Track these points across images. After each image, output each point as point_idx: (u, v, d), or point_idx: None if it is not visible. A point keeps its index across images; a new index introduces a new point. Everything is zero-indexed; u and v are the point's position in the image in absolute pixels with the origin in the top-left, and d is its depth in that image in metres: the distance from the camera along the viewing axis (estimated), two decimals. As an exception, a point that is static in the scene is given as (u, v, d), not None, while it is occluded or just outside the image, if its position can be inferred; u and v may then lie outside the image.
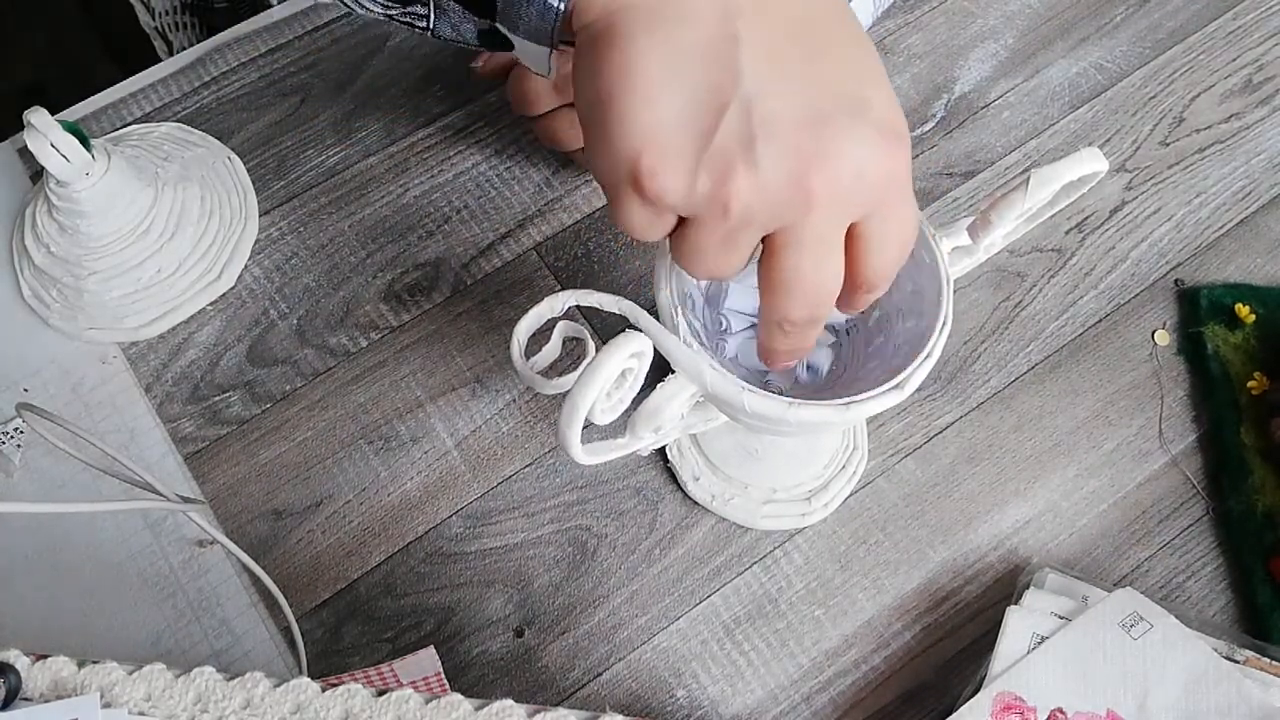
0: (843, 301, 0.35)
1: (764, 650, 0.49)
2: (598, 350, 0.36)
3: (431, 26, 0.35)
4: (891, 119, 0.31)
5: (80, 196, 0.52)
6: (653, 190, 0.29)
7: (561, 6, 0.31)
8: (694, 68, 0.29)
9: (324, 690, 0.34)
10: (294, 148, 0.61)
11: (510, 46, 0.35)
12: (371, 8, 0.36)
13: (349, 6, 0.37)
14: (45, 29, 1.45)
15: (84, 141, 0.51)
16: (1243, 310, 0.54)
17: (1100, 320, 0.56)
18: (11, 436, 0.53)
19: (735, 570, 0.51)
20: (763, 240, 0.32)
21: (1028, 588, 0.47)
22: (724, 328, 0.46)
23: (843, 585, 0.50)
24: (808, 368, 0.46)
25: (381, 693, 0.35)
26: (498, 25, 0.34)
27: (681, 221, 0.31)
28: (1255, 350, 0.54)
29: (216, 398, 0.55)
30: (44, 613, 0.50)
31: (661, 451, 0.53)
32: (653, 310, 0.39)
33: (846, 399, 0.37)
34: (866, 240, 0.32)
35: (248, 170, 0.60)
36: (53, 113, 0.50)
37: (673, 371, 0.41)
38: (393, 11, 0.36)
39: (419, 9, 0.35)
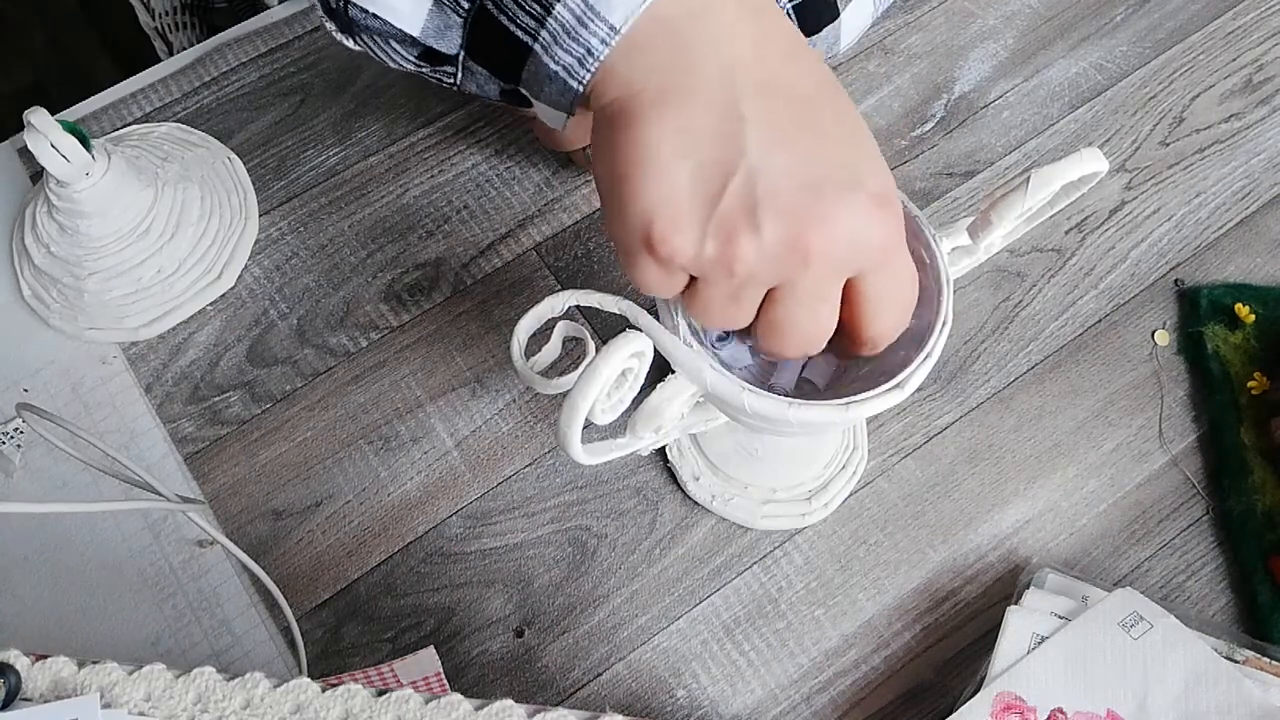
0: (843, 352, 0.37)
1: (764, 650, 0.49)
2: (598, 350, 0.36)
3: (458, 83, 0.38)
4: (883, 190, 0.33)
5: (80, 197, 0.52)
6: (664, 253, 0.32)
7: (580, 89, 0.34)
8: (702, 144, 0.31)
9: (324, 690, 0.34)
10: (294, 148, 0.61)
11: (530, 104, 0.37)
12: (403, 63, 0.38)
13: (378, 58, 0.39)
14: (45, 29, 1.45)
15: (84, 142, 0.51)
16: (1243, 310, 0.54)
17: (1100, 320, 0.56)
18: (11, 437, 0.53)
19: (735, 570, 0.51)
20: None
21: (1028, 588, 0.47)
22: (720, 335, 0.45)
23: (843, 585, 0.50)
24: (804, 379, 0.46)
25: (381, 693, 0.35)
26: (520, 89, 0.37)
27: (692, 279, 0.34)
28: (1255, 350, 0.54)
29: (216, 398, 0.55)
30: (44, 613, 0.50)
31: (661, 451, 0.53)
32: (653, 310, 0.39)
33: (846, 399, 0.37)
34: (866, 298, 0.34)
35: (248, 170, 0.60)
36: (53, 113, 0.51)
37: (673, 372, 0.41)
38: (424, 69, 0.38)
39: (448, 68, 0.38)
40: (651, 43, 0.32)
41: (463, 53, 0.37)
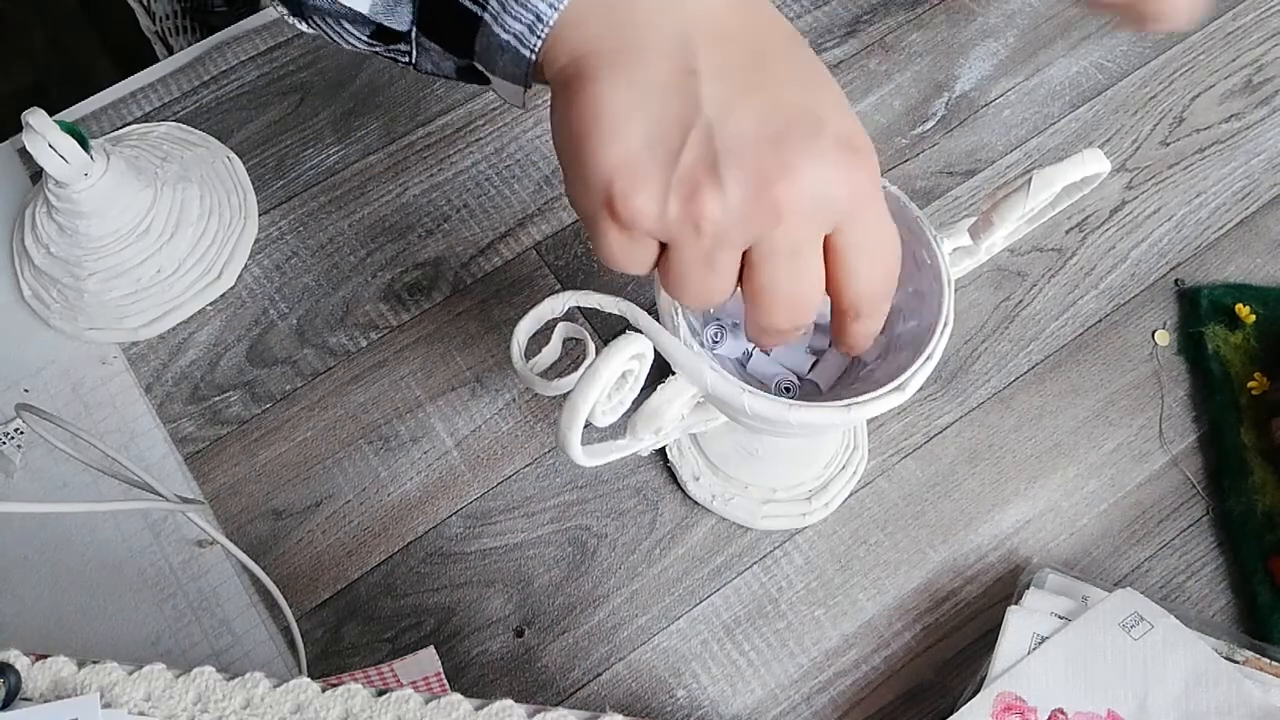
0: (840, 337, 0.36)
1: (764, 650, 0.49)
2: (598, 351, 0.36)
3: (414, 61, 0.37)
4: (849, 135, 0.32)
5: (79, 197, 0.52)
6: (626, 213, 0.31)
7: (532, 57, 0.33)
8: (657, 101, 0.31)
9: (324, 690, 0.34)
10: (293, 147, 0.61)
11: (488, 81, 0.37)
12: (356, 43, 0.38)
13: (332, 39, 0.38)
14: (46, 33, 1.45)
15: (82, 142, 0.51)
16: (1243, 310, 0.54)
17: (1100, 320, 0.56)
18: (11, 437, 0.53)
19: (735, 570, 0.51)
20: (743, 258, 0.33)
21: (1028, 588, 0.47)
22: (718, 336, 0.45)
23: (843, 585, 0.50)
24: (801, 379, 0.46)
25: (381, 693, 0.35)
26: (475, 64, 0.36)
27: (664, 252, 0.33)
28: (1255, 350, 0.54)
29: (216, 398, 0.55)
30: (44, 613, 0.50)
31: (661, 451, 0.53)
32: (653, 311, 0.39)
33: (847, 400, 0.37)
34: (843, 254, 0.33)
35: (247, 170, 0.60)
36: (53, 113, 0.50)
37: (673, 373, 0.41)
38: (377, 48, 0.38)
39: (402, 46, 0.37)
40: (600, 5, 0.32)
41: (415, 29, 0.36)
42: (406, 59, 0.38)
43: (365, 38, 0.38)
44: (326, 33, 0.38)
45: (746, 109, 0.31)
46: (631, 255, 0.32)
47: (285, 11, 0.39)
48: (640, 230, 0.31)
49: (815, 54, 0.33)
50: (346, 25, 0.37)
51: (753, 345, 0.44)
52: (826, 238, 0.32)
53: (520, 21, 0.33)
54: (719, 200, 0.30)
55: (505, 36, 0.33)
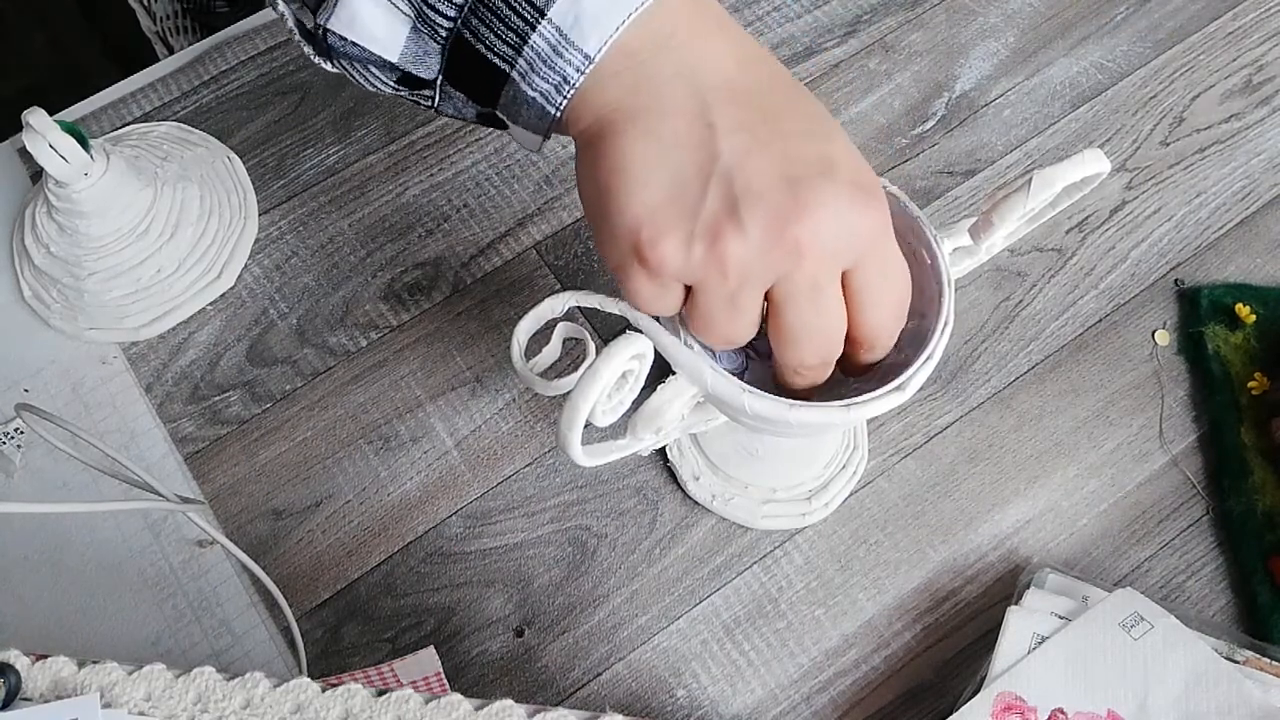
0: (846, 363, 0.37)
1: (764, 650, 0.49)
2: (598, 351, 0.36)
3: (436, 106, 0.39)
4: (860, 176, 0.34)
5: (79, 197, 0.52)
6: (654, 261, 0.33)
7: (557, 114, 0.35)
8: (677, 154, 0.33)
9: (324, 690, 0.34)
10: (293, 147, 0.61)
11: (506, 127, 0.39)
12: (381, 86, 0.39)
13: (356, 81, 0.39)
14: (45, 33, 1.45)
15: (82, 142, 0.51)
16: (1243, 310, 0.54)
17: (1100, 320, 0.56)
18: (11, 437, 0.53)
19: (735, 570, 0.51)
20: (767, 300, 0.34)
21: (1028, 588, 0.47)
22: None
23: (843, 585, 0.50)
24: None
25: (381, 693, 0.35)
26: (498, 114, 0.38)
27: (689, 293, 0.34)
28: (1255, 350, 0.54)
29: (216, 398, 0.55)
30: (44, 613, 0.50)
31: (661, 451, 0.53)
32: (653, 311, 0.39)
33: (847, 400, 0.37)
34: (861, 292, 0.34)
35: (247, 169, 0.60)
36: (53, 114, 0.50)
37: (673, 373, 0.41)
38: (401, 92, 0.39)
39: (426, 92, 0.39)
40: (622, 70, 0.34)
41: (441, 78, 0.37)
42: (429, 104, 0.39)
43: (392, 83, 0.39)
44: (352, 75, 0.39)
45: (763, 157, 0.33)
46: (661, 300, 0.34)
47: (311, 51, 0.39)
48: (668, 275, 0.33)
49: (820, 102, 0.35)
50: (374, 70, 0.38)
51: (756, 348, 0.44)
52: (846, 277, 0.34)
53: (548, 82, 0.34)
54: (741, 242, 0.32)
55: (532, 94, 0.35)
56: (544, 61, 0.34)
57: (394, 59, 0.37)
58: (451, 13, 0.35)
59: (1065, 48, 0.64)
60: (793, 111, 0.34)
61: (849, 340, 0.36)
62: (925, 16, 0.65)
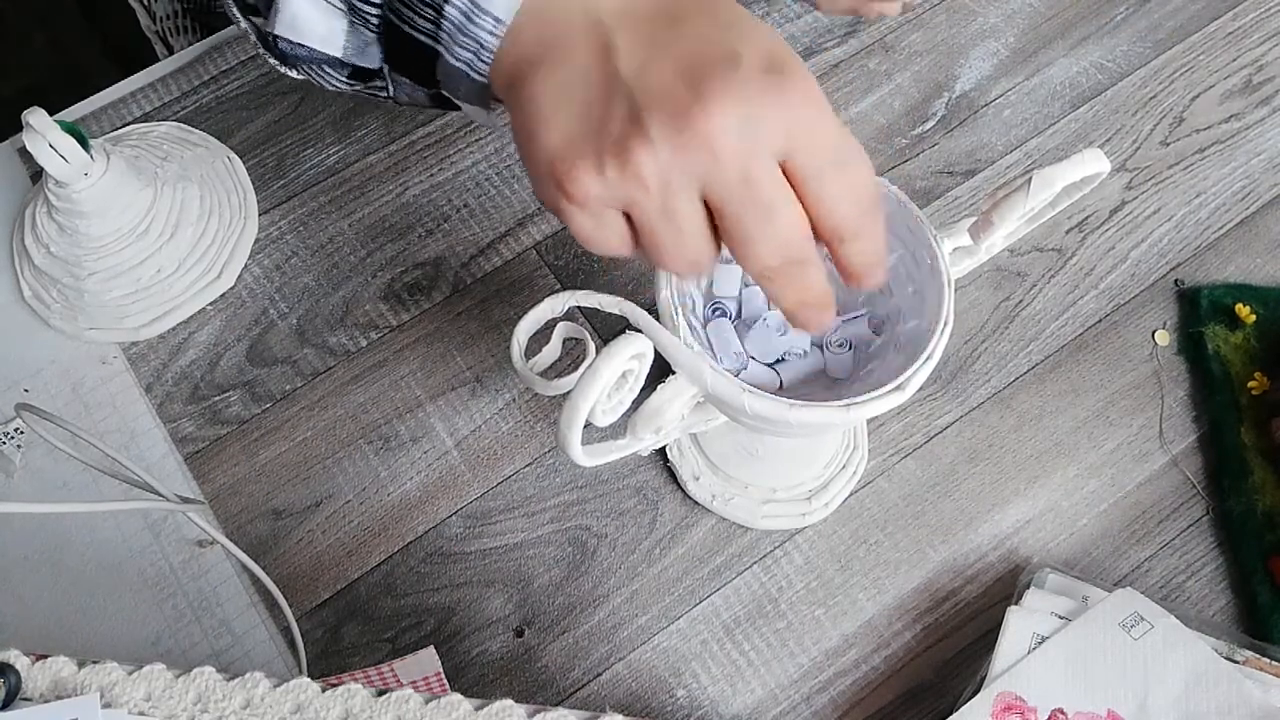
0: (839, 269, 0.34)
1: (764, 650, 0.49)
2: (598, 351, 0.36)
3: (391, 94, 0.40)
4: (771, 59, 0.31)
5: (79, 197, 0.52)
6: (575, 192, 0.32)
7: (484, 80, 0.36)
8: (579, 83, 0.33)
9: (324, 690, 0.34)
10: (293, 147, 0.61)
11: (459, 107, 0.39)
12: (339, 84, 0.41)
13: (319, 83, 0.41)
14: (45, 33, 1.45)
15: (82, 142, 0.51)
16: (1243, 310, 0.54)
17: (1100, 320, 0.56)
18: (11, 437, 0.53)
19: (735, 570, 0.51)
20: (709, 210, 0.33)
21: (1028, 588, 0.47)
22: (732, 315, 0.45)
23: (843, 585, 0.50)
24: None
25: (381, 693, 0.35)
26: (443, 93, 0.38)
27: (631, 224, 0.33)
28: (1255, 350, 0.54)
29: (216, 398, 0.55)
30: (44, 613, 0.50)
31: (661, 451, 0.53)
32: (653, 311, 0.39)
33: (847, 400, 0.37)
34: (807, 181, 0.32)
35: (247, 169, 0.60)
36: (53, 114, 0.50)
37: (673, 373, 0.41)
38: (357, 86, 0.41)
39: (378, 82, 0.40)
40: (530, 24, 0.34)
41: (385, 66, 0.39)
42: (384, 93, 0.41)
43: (345, 79, 0.40)
44: (313, 77, 0.41)
45: (662, 61, 0.32)
46: (602, 232, 0.33)
47: (276, 63, 0.42)
48: (595, 203, 0.32)
49: (741, 7, 0.34)
50: (327, 69, 0.40)
51: (756, 355, 0.44)
52: (785, 168, 0.32)
53: (468, 50, 0.35)
54: (649, 149, 0.31)
55: (458, 64, 0.36)
56: (460, 31, 0.35)
57: (339, 54, 0.39)
58: (377, 0, 0.36)
59: (1065, 48, 0.64)
60: (700, 15, 0.33)
61: (818, 234, 0.33)
62: (925, 16, 0.65)
